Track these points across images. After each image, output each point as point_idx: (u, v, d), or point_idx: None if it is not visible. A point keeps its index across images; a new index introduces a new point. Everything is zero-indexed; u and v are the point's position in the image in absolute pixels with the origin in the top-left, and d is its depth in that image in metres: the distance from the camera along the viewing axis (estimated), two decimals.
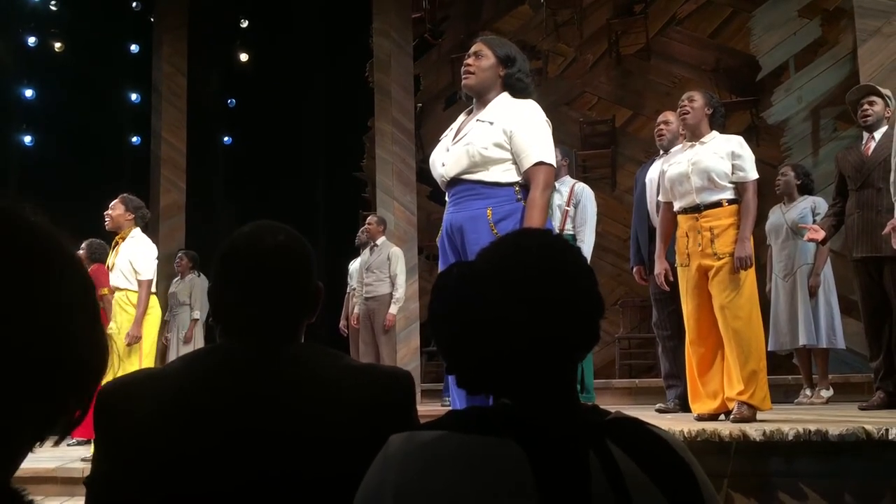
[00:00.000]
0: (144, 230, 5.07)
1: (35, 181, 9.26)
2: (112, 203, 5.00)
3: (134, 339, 4.78)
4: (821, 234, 4.40)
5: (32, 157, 9.41)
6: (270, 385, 1.19)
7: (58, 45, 9.27)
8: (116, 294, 4.93)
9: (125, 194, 5.07)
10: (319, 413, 1.17)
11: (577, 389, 1.05)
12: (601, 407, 1.04)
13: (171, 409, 1.16)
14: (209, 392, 1.18)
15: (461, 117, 2.97)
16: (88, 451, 4.56)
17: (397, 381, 1.26)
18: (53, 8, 9.37)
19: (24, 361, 0.65)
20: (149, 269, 4.91)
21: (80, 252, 5.54)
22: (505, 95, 2.84)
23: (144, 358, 4.86)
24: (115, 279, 4.93)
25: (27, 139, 9.48)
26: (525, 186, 2.74)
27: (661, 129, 4.82)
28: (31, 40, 9.31)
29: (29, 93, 9.45)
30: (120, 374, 4.73)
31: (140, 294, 4.84)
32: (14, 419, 0.65)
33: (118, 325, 4.85)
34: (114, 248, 5.02)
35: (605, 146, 8.62)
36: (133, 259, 4.87)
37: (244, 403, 1.17)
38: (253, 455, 1.14)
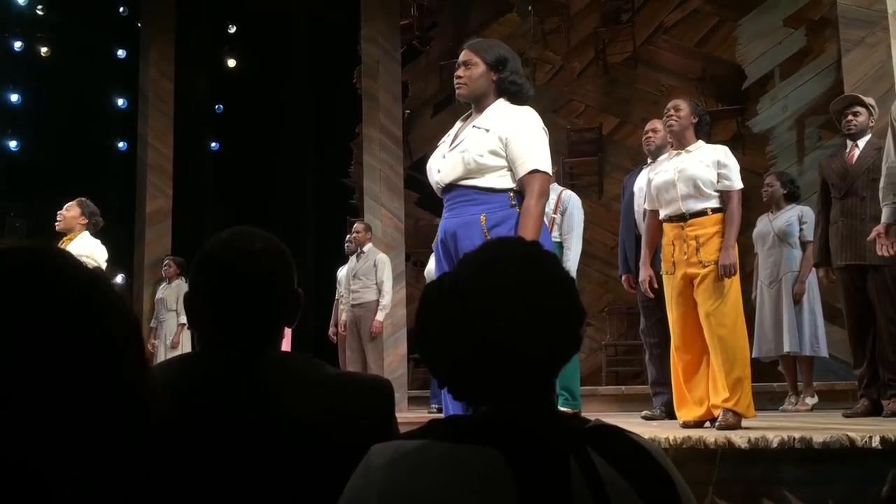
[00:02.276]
0: (96, 236, 5.03)
1: (21, 186, 9.22)
2: (67, 204, 4.96)
3: None
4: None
5: (18, 162, 9.36)
6: (246, 393, 1.18)
7: (44, 49, 9.24)
8: None
9: (82, 198, 5.04)
10: (297, 421, 1.16)
11: (554, 397, 1.06)
12: (582, 415, 1.05)
13: None
14: (185, 400, 1.17)
15: (458, 123, 2.95)
16: None
17: (377, 389, 1.25)
18: (40, 12, 9.33)
19: (73, 398, 0.67)
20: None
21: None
22: (502, 102, 2.83)
23: None
24: None
25: (13, 144, 9.43)
26: (520, 193, 2.73)
27: (650, 136, 4.86)
28: (17, 44, 9.27)
29: (15, 97, 9.40)
30: None
31: None
32: (63, 452, 0.67)
33: None
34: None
35: (592, 154, 8.65)
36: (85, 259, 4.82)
37: (220, 411, 1.16)
38: (229, 464, 1.13)
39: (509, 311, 0.97)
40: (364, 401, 1.22)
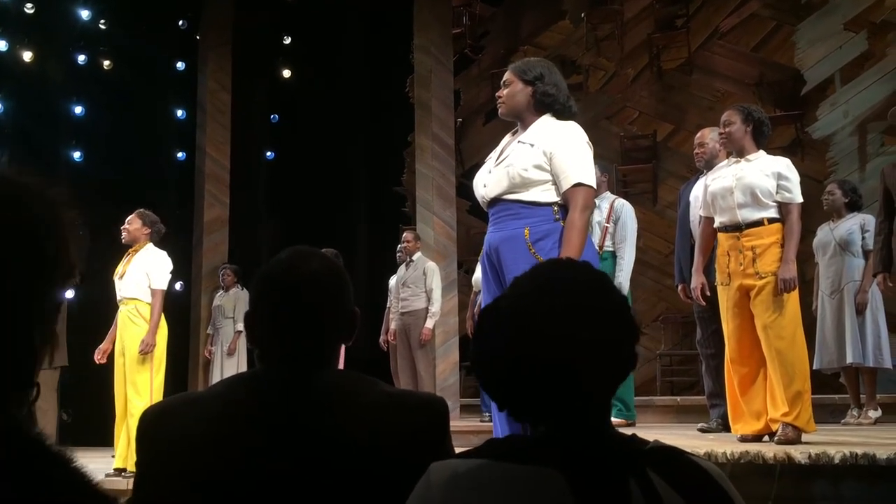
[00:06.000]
0: (159, 245, 5.16)
1: (83, 195, 9.47)
2: (129, 218, 5.13)
3: (149, 347, 4.82)
4: None
5: (81, 172, 9.62)
6: (305, 411, 1.21)
7: (106, 62, 9.49)
8: (125, 306, 4.96)
9: (142, 209, 5.19)
10: (354, 439, 1.18)
11: (611, 416, 1.07)
12: (637, 426, 1.05)
13: (210, 433, 1.19)
14: (246, 417, 1.20)
15: (506, 139, 3.00)
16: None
17: (432, 407, 1.27)
18: (103, 27, 9.60)
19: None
20: (163, 280, 5.00)
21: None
22: (546, 118, 2.86)
23: (156, 368, 4.86)
24: (125, 289, 4.98)
25: (76, 155, 9.70)
26: (564, 207, 2.75)
27: (698, 152, 4.76)
28: (81, 58, 9.53)
29: (78, 109, 9.67)
30: (130, 385, 4.67)
31: (154, 302, 4.93)
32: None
33: (124, 340, 4.87)
34: (125, 257, 5.11)
35: (646, 161, 8.56)
36: (149, 269, 4.96)
37: (280, 429, 1.19)
38: (288, 481, 1.15)
39: (566, 332, 0.98)
40: (419, 419, 1.23)
